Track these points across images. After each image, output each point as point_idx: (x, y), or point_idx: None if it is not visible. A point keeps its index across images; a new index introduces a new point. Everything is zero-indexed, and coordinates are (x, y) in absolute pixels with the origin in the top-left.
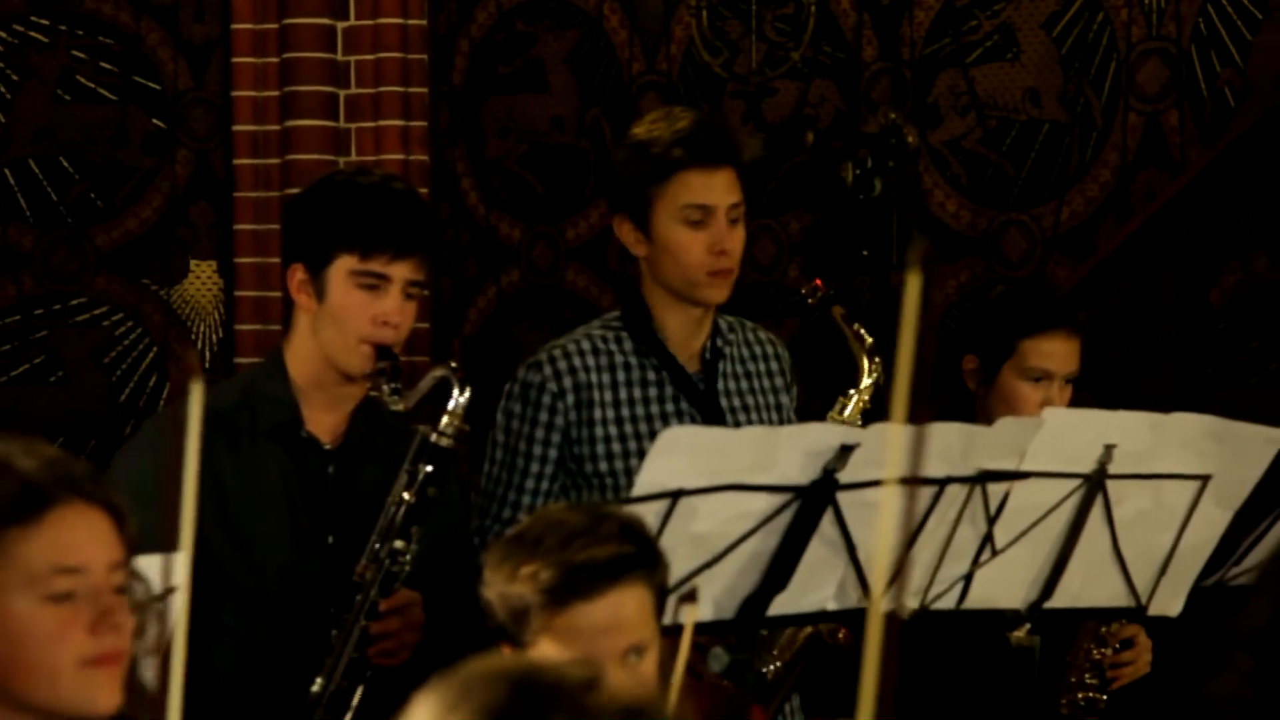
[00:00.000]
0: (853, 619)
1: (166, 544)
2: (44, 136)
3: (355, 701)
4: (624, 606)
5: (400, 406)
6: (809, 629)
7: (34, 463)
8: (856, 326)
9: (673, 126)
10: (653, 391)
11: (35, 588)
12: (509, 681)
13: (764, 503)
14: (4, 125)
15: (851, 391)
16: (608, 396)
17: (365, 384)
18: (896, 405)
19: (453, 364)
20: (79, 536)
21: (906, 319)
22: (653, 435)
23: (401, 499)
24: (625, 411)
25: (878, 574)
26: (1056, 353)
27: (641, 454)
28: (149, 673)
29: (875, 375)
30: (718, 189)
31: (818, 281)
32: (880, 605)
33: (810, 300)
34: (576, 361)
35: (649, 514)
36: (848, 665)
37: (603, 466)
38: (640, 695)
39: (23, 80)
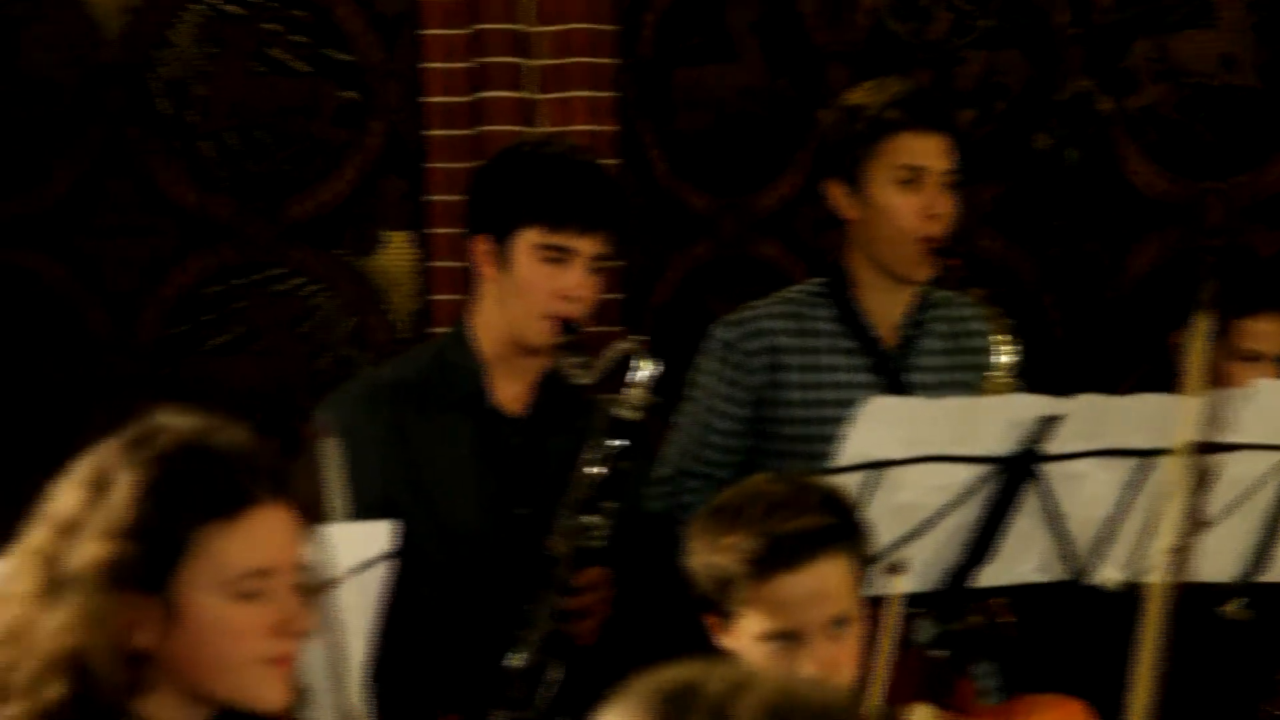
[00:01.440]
0: (1047, 594)
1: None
2: (239, 109)
3: (553, 678)
4: (827, 577)
5: (585, 380)
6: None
7: (235, 455)
8: (996, 309)
9: (889, 91)
10: (842, 360)
11: (226, 586)
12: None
13: (966, 474)
14: (205, 99)
15: (990, 374)
16: (799, 361)
17: (549, 355)
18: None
19: (640, 337)
20: (273, 539)
21: (1194, 355)
22: (839, 404)
23: (592, 473)
24: (814, 378)
25: (1148, 548)
26: (1269, 333)
27: (826, 421)
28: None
29: (1013, 355)
30: (932, 152)
31: (955, 262)
32: (1158, 582)
33: (946, 278)
34: (773, 324)
35: (852, 484)
36: (1008, 648)
37: (788, 430)
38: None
39: (220, 53)
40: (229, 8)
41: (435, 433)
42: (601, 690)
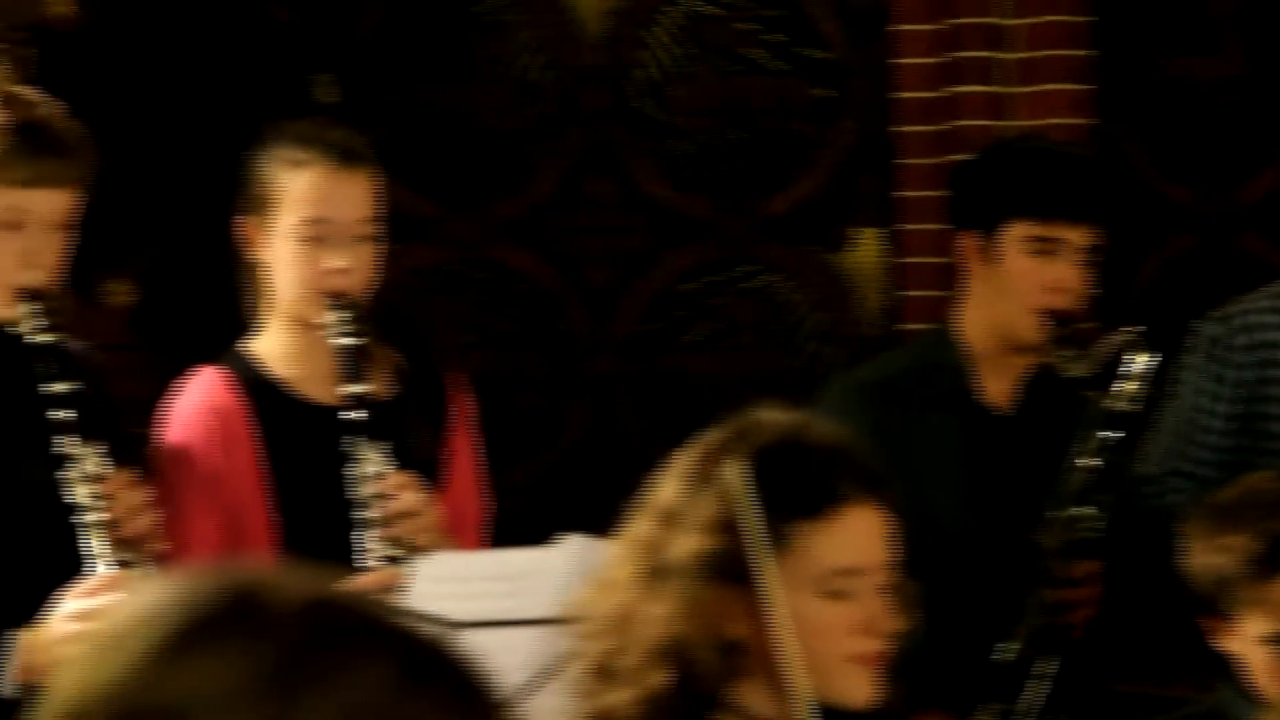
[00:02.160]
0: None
1: None
2: (715, 109)
3: (1043, 672)
4: None
5: (1079, 372)
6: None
7: (829, 453)
8: None
9: None
10: None
11: (815, 584)
12: None
13: None
14: (681, 98)
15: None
16: None
17: (1039, 351)
18: None
19: (1135, 328)
20: (863, 539)
21: None
22: None
23: (1086, 465)
24: None
25: None
26: None
27: None
28: None
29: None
30: None
31: None
32: None
33: None
34: (1262, 319)
35: None
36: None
37: (1278, 428)
38: None
39: (697, 54)
40: (706, 9)
41: (922, 431)
42: (1091, 686)
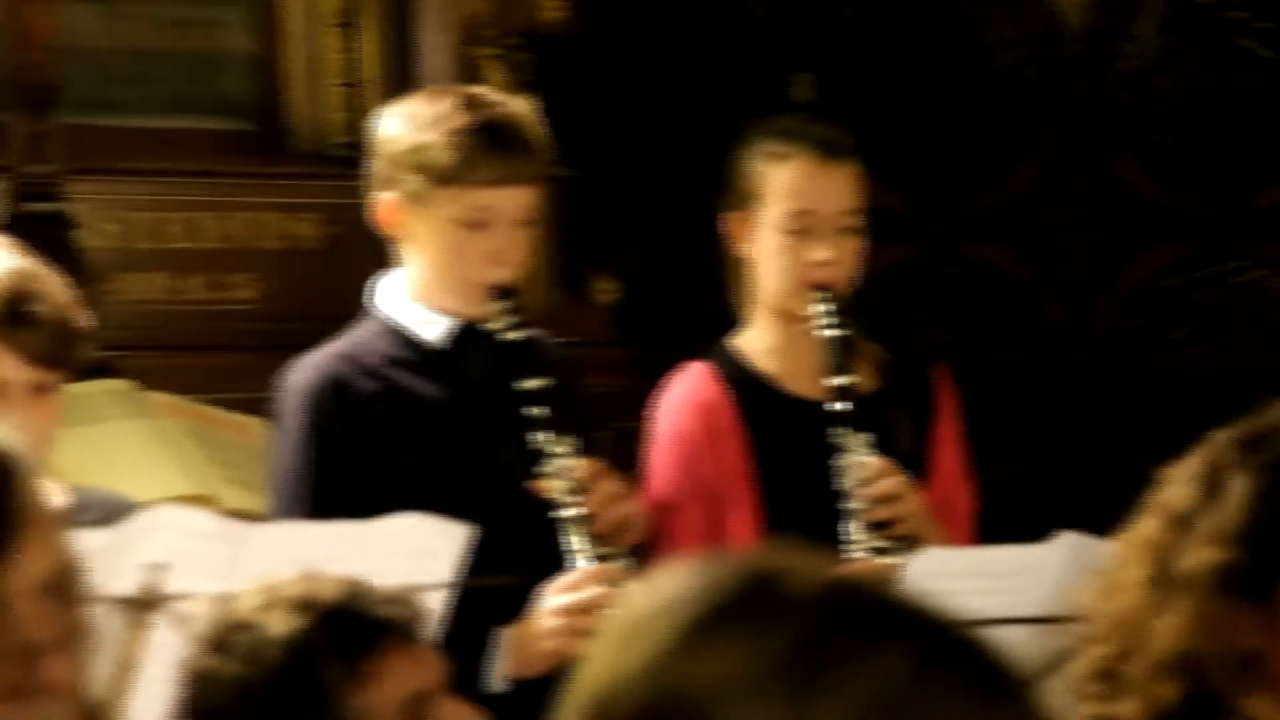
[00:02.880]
0: None
1: None
2: (1196, 99)
3: None
4: None
5: None
6: None
7: None
8: None
9: None
10: None
11: None
12: None
13: None
14: (1165, 90)
15: None
16: None
17: None
18: None
19: None
20: None
21: None
22: None
23: None
24: None
25: None
26: None
27: None
28: None
29: None
30: None
31: None
32: None
33: None
34: None
35: None
36: None
37: None
38: None
39: (1183, 44)
40: None
41: None
42: None
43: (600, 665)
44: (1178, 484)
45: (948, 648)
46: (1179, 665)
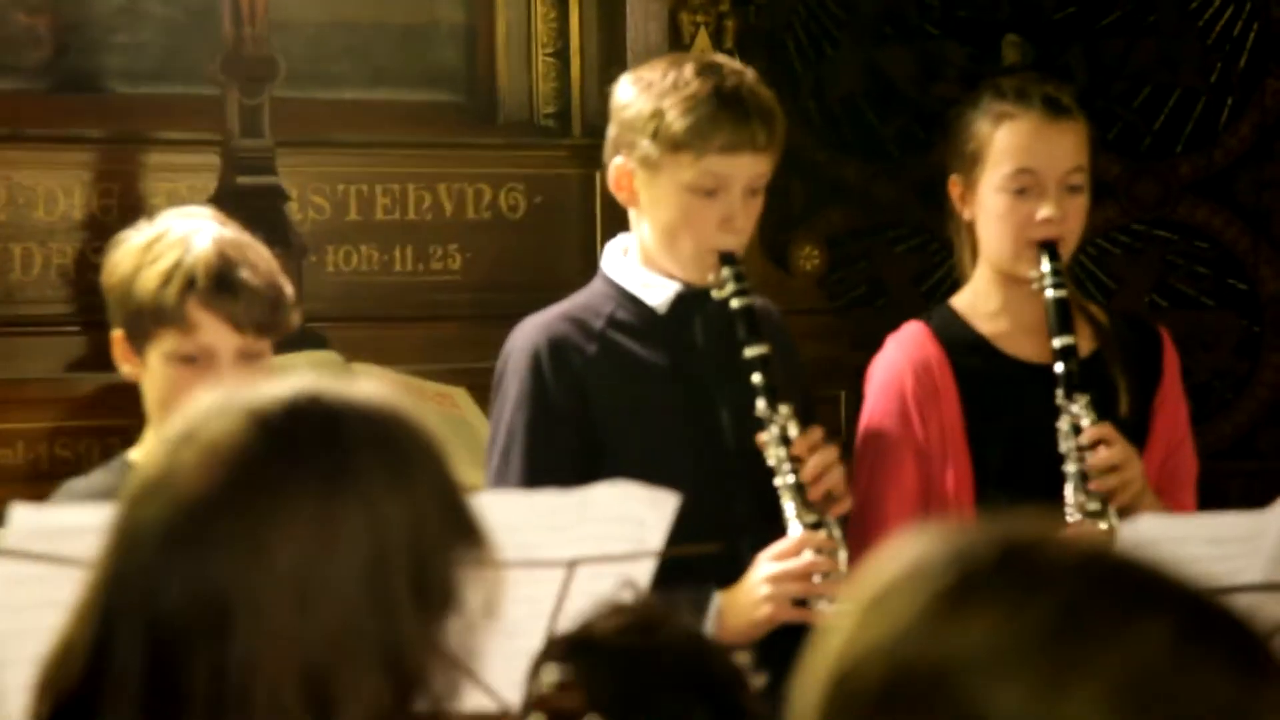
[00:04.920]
0: None
1: None
2: None
3: None
4: None
5: None
6: None
7: None
8: None
9: None
10: None
11: None
12: None
13: None
14: None
15: None
16: None
17: None
18: None
19: None
20: None
21: None
22: None
23: None
24: None
25: None
26: None
27: None
28: None
29: None
30: None
31: None
32: None
33: None
34: None
35: None
36: None
37: None
38: None
39: None
40: None
41: None
42: None
43: (844, 636)
44: None
45: (1207, 621)
46: None
